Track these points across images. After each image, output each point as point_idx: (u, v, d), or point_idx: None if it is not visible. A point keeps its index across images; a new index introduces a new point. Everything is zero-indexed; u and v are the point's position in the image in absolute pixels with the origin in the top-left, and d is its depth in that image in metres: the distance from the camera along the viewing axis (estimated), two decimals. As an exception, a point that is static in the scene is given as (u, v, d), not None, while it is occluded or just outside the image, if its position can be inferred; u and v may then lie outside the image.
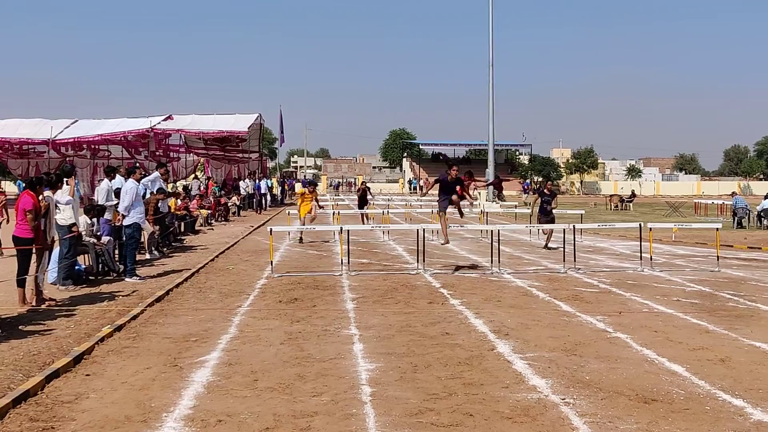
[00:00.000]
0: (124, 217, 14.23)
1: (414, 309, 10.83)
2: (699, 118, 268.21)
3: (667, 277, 14.51)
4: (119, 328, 9.34)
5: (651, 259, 16.01)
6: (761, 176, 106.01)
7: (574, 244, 16.53)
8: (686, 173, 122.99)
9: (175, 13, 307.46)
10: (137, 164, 16.74)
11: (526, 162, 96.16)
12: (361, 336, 8.96)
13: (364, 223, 26.18)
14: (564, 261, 15.75)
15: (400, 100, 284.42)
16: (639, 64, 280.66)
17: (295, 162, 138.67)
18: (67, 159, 45.08)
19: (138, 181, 14.47)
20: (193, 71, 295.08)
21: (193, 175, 48.04)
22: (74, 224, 12.58)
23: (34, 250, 11.01)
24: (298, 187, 40.15)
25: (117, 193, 15.19)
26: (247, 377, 7.08)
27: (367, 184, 35.10)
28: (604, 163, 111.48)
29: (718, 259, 16.00)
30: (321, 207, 18.87)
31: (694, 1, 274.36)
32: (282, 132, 70.03)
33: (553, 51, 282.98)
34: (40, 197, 11.07)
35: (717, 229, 16.45)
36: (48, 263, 11.66)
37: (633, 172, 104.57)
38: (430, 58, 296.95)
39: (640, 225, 17.03)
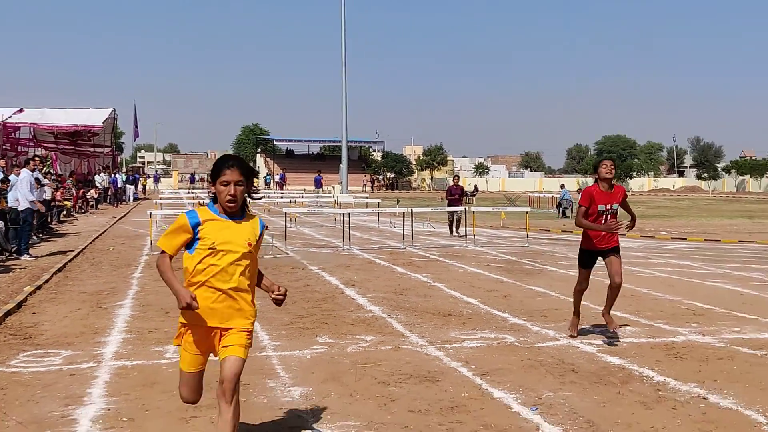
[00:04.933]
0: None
1: (280, 273, 13.43)
2: (544, 118, 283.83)
3: (485, 251, 17.81)
4: (39, 288, 11.42)
5: (474, 237, 19.37)
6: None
7: (412, 227, 19.70)
8: (531, 170, 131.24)
9: (26, 6, 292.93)
10: (33, 156, 18.38)
11: (379, 158, 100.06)
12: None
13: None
14: (404, 240, 18.80)
15: (253, 96, 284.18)
16: (486, 66, 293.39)
17: (143, 157, 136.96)
18: None
19: (32, 171, 16.25)
20: (44, 66, 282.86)
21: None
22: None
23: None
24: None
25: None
26: (160, 312, 9.49)
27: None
28: (453, 161, 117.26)
29: (527, 237, 19.56)
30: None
31: (537, 4, 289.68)
32: (136, 126, 70.39)
33: (405, 52, 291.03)
34: None
35: (527, 212, 20.06)
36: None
37: (481, 169, 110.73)
38: (283, 56, 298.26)
39: (465, 210, 20.38)
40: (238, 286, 4.27)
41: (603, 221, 7.83)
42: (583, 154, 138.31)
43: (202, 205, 4.66)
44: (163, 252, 4.32)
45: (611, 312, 8.10)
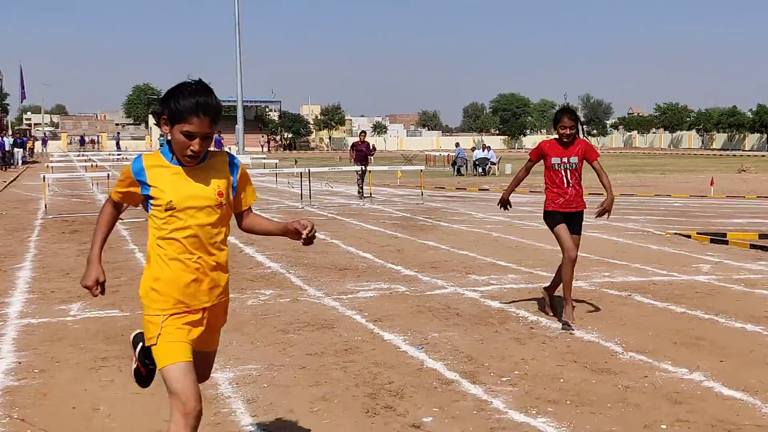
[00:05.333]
0: None
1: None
2: (441, 77, 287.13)
3: (381, 208, 18.41)
4: (-68, 254, 11.32)
5: (371, 196, 19.97)
6: (496, 131, 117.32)
7: (310, 187, 20.09)
8: (429, 129, 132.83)
9: None
10: None
11: (276, 119, 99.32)
12: (140, 250, 11.68)
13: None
14: (302, 199, 19.21)
15: (143, 54, 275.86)
16: (382, 24, 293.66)
17: (29, 119, 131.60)
18: None
19: None
20: None
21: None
22: None
23: None
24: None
25: None
26: (60, 272, 9.64)
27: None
28: (351, 120, 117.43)
29: (422, 195, 20.30)
30: None
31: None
32: (23, 88, 68.04)
33: (300, 9, 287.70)
34: None
35: (421, 170, 20.75)
36: None
37: (379, 129, 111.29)
38: (175, 12, 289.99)
39: (362, 169, 20.88)
40: (217, 252, 3.30)
41: (563, 176, 7.10)
42: (479, 112, 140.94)
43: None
44: (108, 198, 3.39)
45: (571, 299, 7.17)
